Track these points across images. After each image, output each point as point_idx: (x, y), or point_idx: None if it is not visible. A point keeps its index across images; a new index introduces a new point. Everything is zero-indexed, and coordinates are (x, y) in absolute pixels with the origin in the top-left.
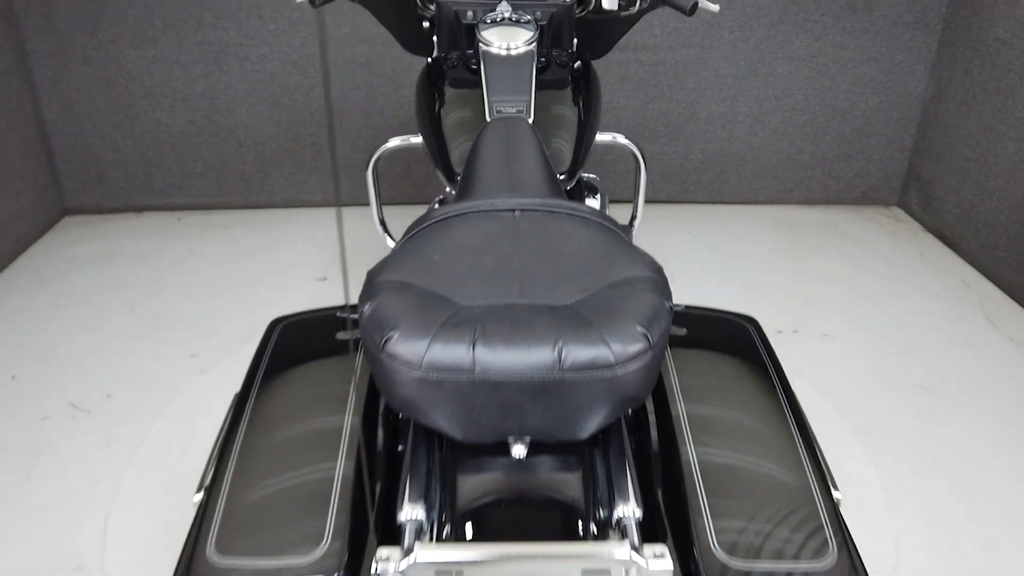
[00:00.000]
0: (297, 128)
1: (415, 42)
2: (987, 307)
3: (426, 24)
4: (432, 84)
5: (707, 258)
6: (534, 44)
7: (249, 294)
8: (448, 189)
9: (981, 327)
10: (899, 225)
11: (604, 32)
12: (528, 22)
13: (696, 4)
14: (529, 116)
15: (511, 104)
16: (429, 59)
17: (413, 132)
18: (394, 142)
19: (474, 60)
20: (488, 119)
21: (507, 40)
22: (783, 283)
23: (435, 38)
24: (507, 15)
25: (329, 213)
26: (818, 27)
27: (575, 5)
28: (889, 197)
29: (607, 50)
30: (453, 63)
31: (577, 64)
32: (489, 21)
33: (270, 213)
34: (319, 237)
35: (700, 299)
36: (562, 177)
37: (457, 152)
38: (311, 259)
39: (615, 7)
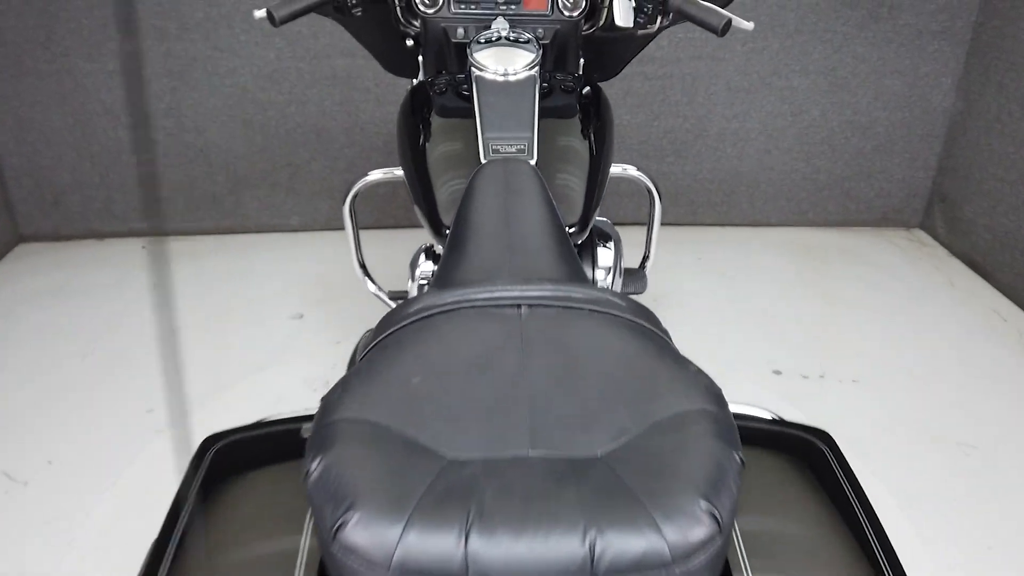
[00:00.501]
0: (272, 147)
1: (397, 63)
2: None
3: (410, 42)
4: (416, 112)
5: (719, 288)
6: (536, 68)
7: (217, 335)
8: (433, 244)
9: None
10: (923, 250)
11: (614, 51)
12: (528, 41)
13: (729, 22)
14: (532, 157)
15: (510, 142)
16: (413, 82)
17: (397, 161)
18: (375, 175)
19: (465, 86)
20: (483, 159)
21: (504, 64)
22: (803, 317)
23: (420, 58)
24: (504, 34)
25: (308, 239)
26: (838, 37)
27: (582, 22)
28: (911, 219)
29: (617, 72)
30: (441, 88)
31: (585, 89)
32: (483, 41)
33: (243, 239)
34: (296, 267)
35: (715, 339)
36: (572, 230)
37: (445, 195)
38: (287, 293)
39: (630, 24)
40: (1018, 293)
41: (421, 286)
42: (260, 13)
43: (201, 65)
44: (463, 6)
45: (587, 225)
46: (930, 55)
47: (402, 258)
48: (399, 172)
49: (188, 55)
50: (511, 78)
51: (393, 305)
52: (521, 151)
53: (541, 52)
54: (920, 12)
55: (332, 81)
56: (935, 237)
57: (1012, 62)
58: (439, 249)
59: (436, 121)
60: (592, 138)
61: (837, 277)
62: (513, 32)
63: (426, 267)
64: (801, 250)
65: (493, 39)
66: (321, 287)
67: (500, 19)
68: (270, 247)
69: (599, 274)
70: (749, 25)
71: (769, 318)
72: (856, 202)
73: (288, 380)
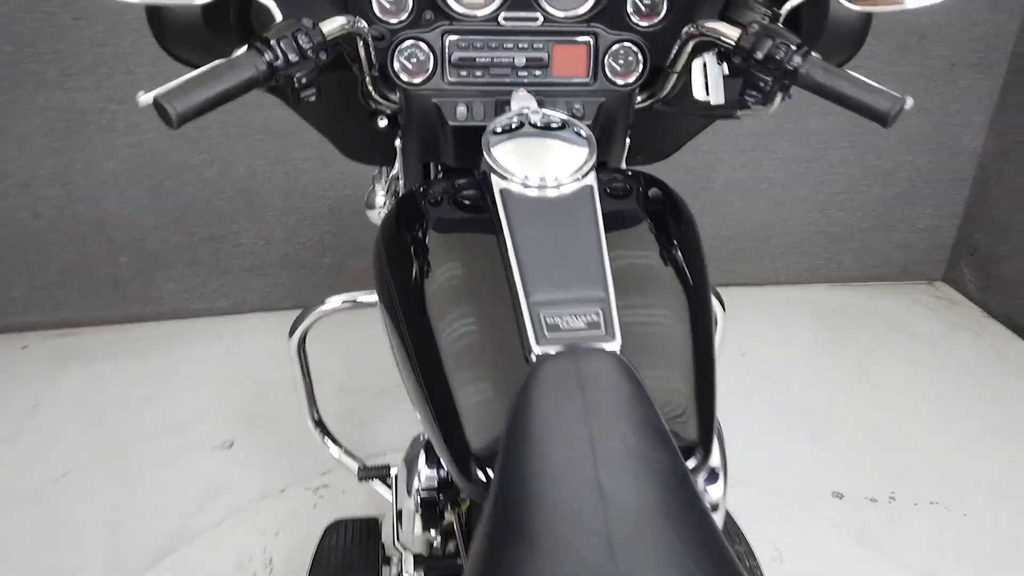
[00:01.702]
0: (189, 218)
1: (363, 147)
2: None
3: (383, 123)
4: (406, 241)
5: (740, 371)
6: (593, 172)
7: (112, 483)
8: (462, 495)
9: None
10: (956, 309)
11: (669, 128)
12: (566, 126)
13: (902, 107)
14: (613, 336)
15: (574, 310)
16: (398, 194)
17: (362, 282)
18: (332, 303)
19: (479, 195)
20: (532, 344)
21: (542, 168)
22: (846, 410)
23: (399, 142)
24: (533, 116)
25: (239, 325)
26: (862, 72)
27: (636, 92)
28: (933, 272)
29: (668, 154)
30: (435, 198)
31: (652, 190)
32: (502, 129)
33: (156, 329)
34: (225, 366)
35: (752, 454)
36: (692, 465)
37: (474, 403)
38: (213, 407)
39: (720, 101)
40: None
41: (425, 501)
42: (146, 98)
43: (93, 120)
44: (464, 73)
45: (710, 448)
46: (963, 90)
47: (378, 379)
48: (367, 297)
49: (75, 107)
50: (556, 192)
51: (370, 485)
52: (594, 326)
53: (595, 143)
54: (953, 42)
55: (265, 135)
56: (963, 292)
57: None
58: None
59: (438, 256)
60: (679, 276)
61: (870, 351)
62: (545, 112)
63: (429, 474)
64: (820, 313)
65: (515, 125)
66: (258, 395)
67: (521, 91)
68: (190, 339)
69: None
70: (910, 102)
71: (809, 413)
72: (874, 255)
73: (212, 568)
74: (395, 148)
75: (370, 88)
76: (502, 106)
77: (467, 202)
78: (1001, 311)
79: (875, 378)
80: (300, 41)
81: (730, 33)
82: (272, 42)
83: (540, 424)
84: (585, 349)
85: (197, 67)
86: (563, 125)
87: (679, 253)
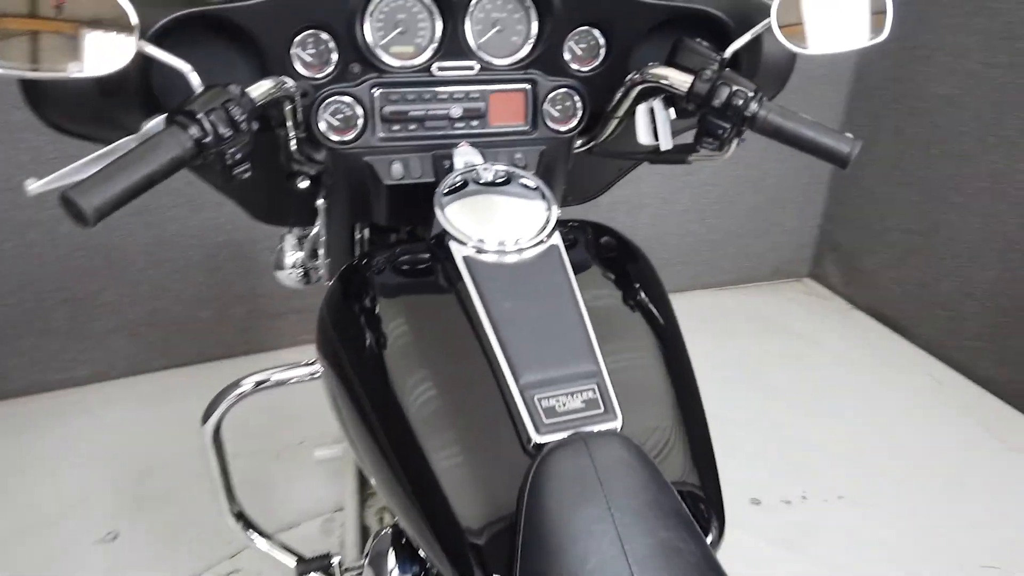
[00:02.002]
0: (38, 280)
1: (277, 208)
2: (980, 415)
3: (304, 184)
4: (359, 316)
5: None
6: (557, 231)
7: None
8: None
9: (994, 448)
10: (825, 304)
11: (599, 171)
12: (515, 182)
13: (859, 147)
14: (614, 416)
15: (570, 390)
16: (317, 255)
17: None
18: (248, 384)
19: (435, 263)
20: (534, 438)
21: (503, 229)
22: (747, 415)
23: (322, 203)
24: (485, 172)
25: (106, 395)
26: None
27: (575, 138)
28: (801, 269)
29: (598, 194)
30: (385, 267)
31: (604, 239)
32: (451, 189)
33: (7, 409)
34: (96, 443)
35: None
36: (711, 540)
37: (462, 494)
38: (88, 493)
39: (668, 146)
40: (944, 351)
41: None
42: (36, 187)
43: None
44: (396, 128)
45: (723, 517)
46: (816, 100)
47: (270, 441)
48: (294, 372)
49: None
50: (523, 256)
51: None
52: (592, 404)
53: (552, 197)
54: (806, 59)
55: None
56: (829, 287)
57: (913, 107)
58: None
59: (404, 327)
60: (656, 333)
61: (759, 356)
62: (498, 167)
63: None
64: (708, 320)
65: (462, 184)
66: (140, 474)
67: (464, 145)
68: (48, 417)
69: None
70: (859, 144)
71: (713, 425)
72: (750, 258)
73: None
74: (316, 208)
75: (294, 150)
76: (441, 161)
77: (423, 271)
78: (865, 302)
79: (766, 380)
80: (232, 112)
81: (681, 80)
82: (200, 115)
83: (563, 523)
84: (592, 435)
85: (88, 139)
86: (510, 179)
87: (651, 307)
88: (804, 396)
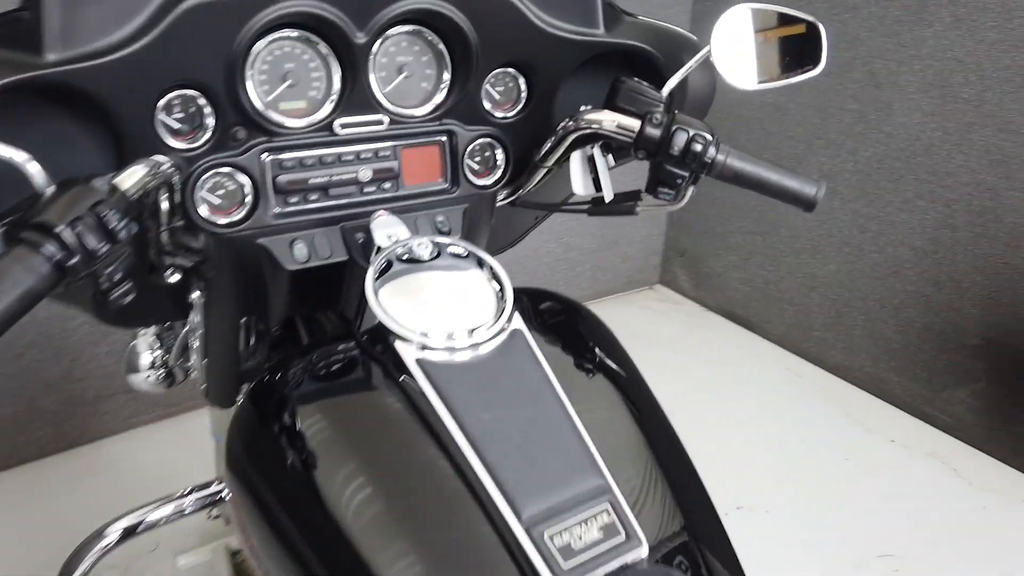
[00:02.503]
0: None
1: (136, 309)
2: (841, 404)
3: (174, 277)
4: (283, 442)
5: None
6: (516, 312)
7: None
8: None
9: (857, 433)
10: (679, 308)
11: (515, 219)
12: (456, 254)
13: (823, 189)
14: (641, 540)
15: (582, 516)
16: (190, 352)
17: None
18: (115, 532)
19: (372, 365)
20: None
21: (456, 317)
22: None
23: (198, 297)
24: (416, 246)
25: None
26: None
27: (498, 191)
28: (651, 277)
29: (514, 242)
30: (302, 377)
31: (552, 305)
32: (378, 273)
33: None
34: None
35: None
36: None
37: None
38: None
39: (609, 196)
40: (796, 344)
41: None
42: None
43: None
44: (295, 200)
45: None
46: None
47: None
48: (166, 510)
49: None
50: (487, 349)
51: None
52: (611, 531)
53: (503, 271)
54: None
55: None
56: (679, 291)
57: (741, 115)
58: None
59: (350, 451)
60: (640, 415)
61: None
62: (436, 240)
63: None
64: None
65: (383, 266)
66: None
67: (384, 215)
68: None
69: None
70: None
71: None
72: (604, 272)
73: None
74: (187, 302)
75: (165, 241)
76: (353, 234)
77: (360, 379)
78: (716, 304)
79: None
80: (105, 217)
81: (627, 125)
82: (60, 228)
83: None
84: (624, 572)
85: None
86: (430, 255)
87: (629, 387)
88: (673, 403)
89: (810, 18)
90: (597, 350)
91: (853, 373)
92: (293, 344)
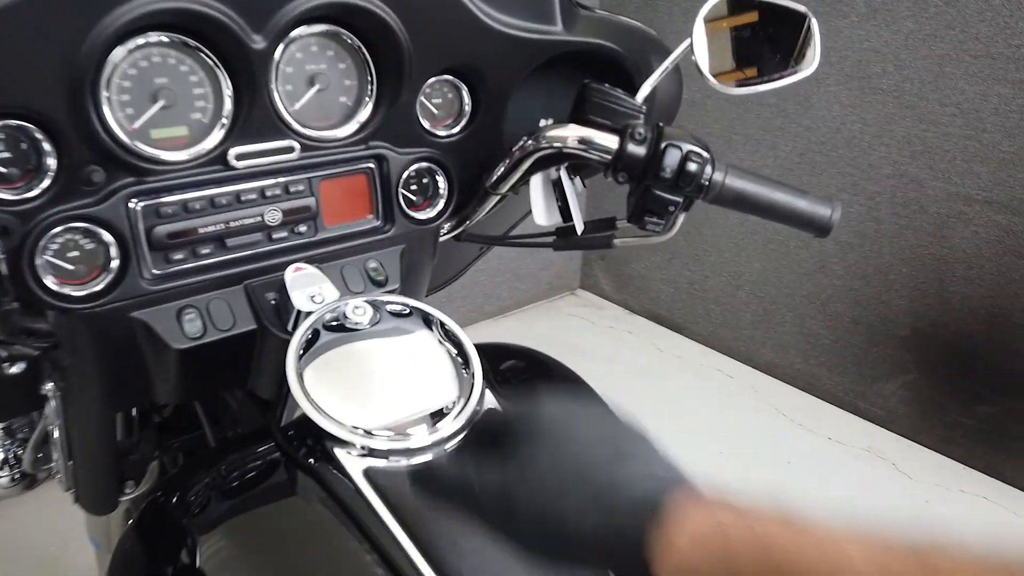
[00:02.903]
0: None
1: None
2: (776, 402)
3: (17, 368)
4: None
5: None
6: (484, 388)
7: None
8: None
9: (797, 434)
10: (604, 313)
11: (459, 251)
12: (376, 316)
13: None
14: None
15: None
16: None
17: None
18: None
19: (291, 471)
20: None
21: (405, 406)
22: None
23: (52, 390)
24: (348, 313)
25: None
26: None
27: (442, 224)
28: (572, 282)
29: (452, 280)
30: (207, 492)
31: (507, 363)
32: (302, 348)
33: None
34: None
35: None
36: None
37: None
38: None
39: (580, 227)
40: (724, 344)
41: None
42: None
43: None
44: (181, 257)
45: None
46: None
47: None
48: None
49: None
50: (446, 448)
51: None
52: None
53: (465, 338)
54: None
55: None
56: (602, 295)
57: (700, 120)
58: None
59: None
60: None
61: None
62: (354, 302)
63: None
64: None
65: (308, 337)
66: None
67: (301, 268)
68: None
69: None
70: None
71: None
72: (524, 280)
73: None
74: (41, 393)
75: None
76: (262, 296)
77: (287, 497)
78: (640, 306)
79: None
80: None
81: (602, 143)
82: None
83: None
84: None
85: None
86: (369, 319)
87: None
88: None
89: (801, 8)
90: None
91: (784, 371)
92: (193, 438)
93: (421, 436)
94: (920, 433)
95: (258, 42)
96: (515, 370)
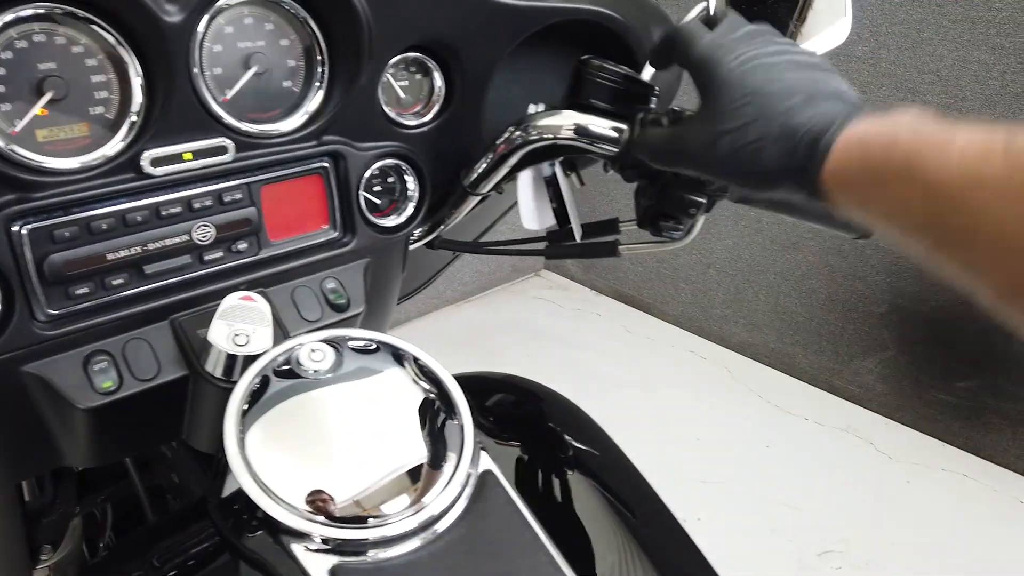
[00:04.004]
0: None
1: None
2: (750, 382)
3: None
4: None
5: None
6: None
7: None
8: None
9: (774, 416)
10: (571, 295)
11: (429, 257)
12: (336, 355)
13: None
14: None
15: None
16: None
17: None
18: None
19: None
20: None
21: (376, 476)
22: None
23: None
24: (303, 359)
25: None
26: None
27: (411, 231)
28: (537, 264)
29: (419, 290)
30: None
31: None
32: (245, 404)
33: None
34: None
35: None
36: None
37: None
38: None
39: (580, 231)
40: (696, 324)
41: None
42: None
43: None
44: (85, 290)
45: None
46: None
47: None
48: None
49: None
50: (437, 529)
51: None
52: None
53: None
54: None
55: None
56: (567, 276)
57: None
58: None
59: None
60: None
61: (541, 366)
62: (318, 343)
63: None
64: (468, 340)
65: (253, 389)
66: None
67: (241, 296)
68: None
69: None
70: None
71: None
72: (487, 263)
73: None
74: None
75: None
76: (194, 331)
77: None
78: (607, 287)
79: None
80: None
81: (606, 132)
82: None
83: None
84: None
85: None
86: (332, 365)
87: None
88: (586, 397)
89: None
90: (589, 467)
91: (758, 350)
92: (119, 488)
93: (402, 516)
94: (898, 411)
95: (172, 13)
96: (505, 407)
